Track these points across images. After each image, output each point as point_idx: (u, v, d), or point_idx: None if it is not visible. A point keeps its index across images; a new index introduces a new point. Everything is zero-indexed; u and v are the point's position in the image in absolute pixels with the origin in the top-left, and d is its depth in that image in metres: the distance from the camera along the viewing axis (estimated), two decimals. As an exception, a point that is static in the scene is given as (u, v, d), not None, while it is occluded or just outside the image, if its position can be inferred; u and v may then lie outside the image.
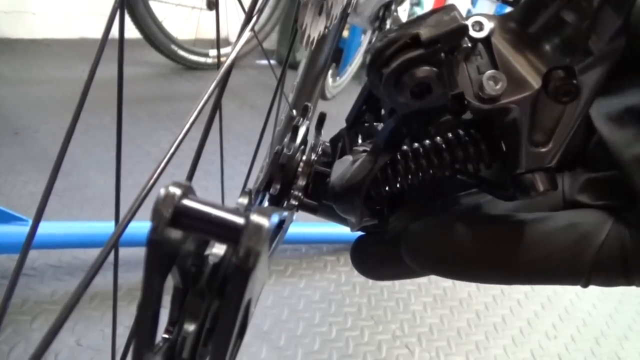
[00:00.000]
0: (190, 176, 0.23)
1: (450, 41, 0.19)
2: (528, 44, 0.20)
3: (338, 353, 0.85)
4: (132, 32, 1.76)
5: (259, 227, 0.13)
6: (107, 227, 0.89)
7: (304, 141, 0.28)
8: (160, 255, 0.14)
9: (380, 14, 0.71)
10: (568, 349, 0.97)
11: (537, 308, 1.06)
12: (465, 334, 0.95)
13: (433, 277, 1.11)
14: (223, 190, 0.49)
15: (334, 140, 0.28)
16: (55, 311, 0.82)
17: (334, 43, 0.50)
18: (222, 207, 0.14)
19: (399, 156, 0.23)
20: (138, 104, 1.61)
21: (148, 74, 1.91)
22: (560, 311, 1.06)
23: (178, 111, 1.56)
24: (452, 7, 0.20)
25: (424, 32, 0.19)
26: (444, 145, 0.22)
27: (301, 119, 0.28)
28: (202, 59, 1.99)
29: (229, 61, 0.21)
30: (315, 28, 0.27)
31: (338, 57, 2.03)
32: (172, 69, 1.96)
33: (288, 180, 0.26)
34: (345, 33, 1.84)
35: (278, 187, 0.25)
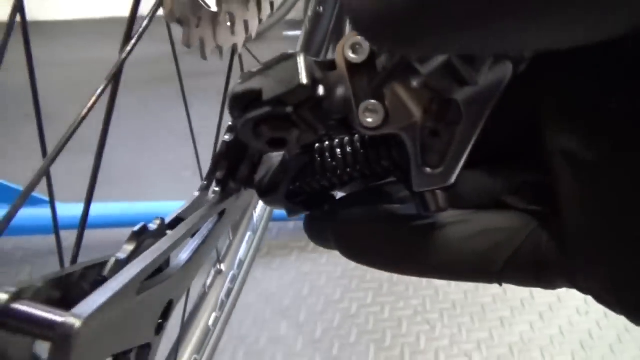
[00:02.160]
0: (95, 168, 0.23)
1: (294, 98, 0.18)
2: (407, 72, 0.19)
3: (358, 329, 0.85)
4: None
5: (67, 330, 0.15)
6: (125, 207, 0.91)
7: None
8: None
9: None
10: (600, 325, 0.93)
11: (568, 282, 1.02)
12: (490, 310, 0.93)
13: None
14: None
15: None
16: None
17: (330, 24, 0.48)
18: (46, 309, 0.15)
19: (316, 155, 0.23)
20: (163, 82, 1.61)
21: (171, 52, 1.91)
22: (593, 286, 1.02)
23: (201, 87, 1.56)
24: (295, 56, 0.18)
25: (266, 91, 0.19)
26: (358, 145, 0.22)
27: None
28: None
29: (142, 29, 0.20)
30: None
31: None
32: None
33: (233, 168, 0.26)
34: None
35: (223, 173, 0.26)
